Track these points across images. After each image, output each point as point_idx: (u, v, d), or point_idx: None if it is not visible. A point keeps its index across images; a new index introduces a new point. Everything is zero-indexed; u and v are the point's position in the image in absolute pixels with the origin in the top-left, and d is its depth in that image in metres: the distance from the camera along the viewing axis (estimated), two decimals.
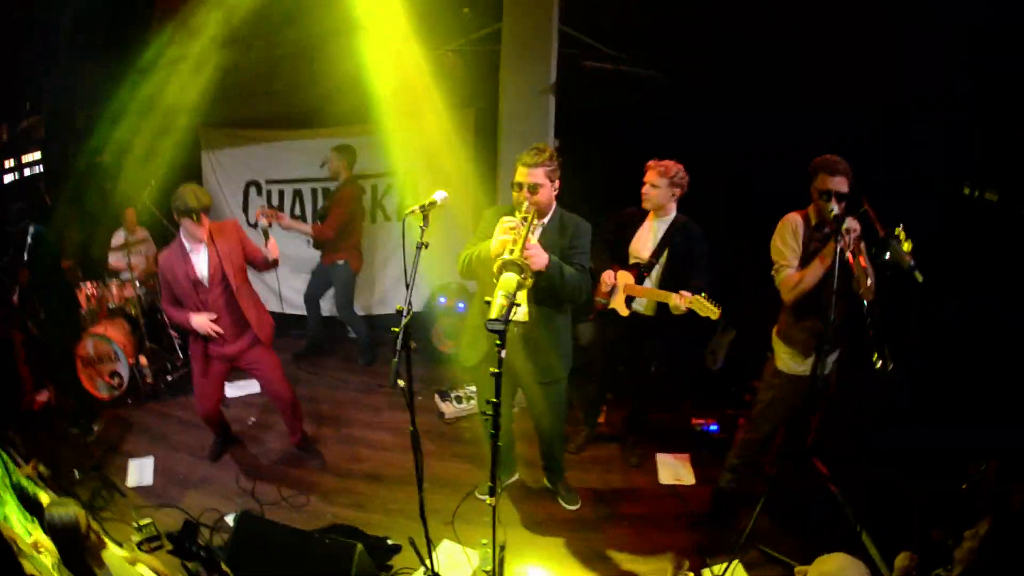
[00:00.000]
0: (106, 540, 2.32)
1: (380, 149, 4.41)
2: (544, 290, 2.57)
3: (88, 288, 4.40)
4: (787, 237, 2.72)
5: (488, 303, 1.94)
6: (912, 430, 3.06)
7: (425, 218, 2.26)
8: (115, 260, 4.69)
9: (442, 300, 4.73)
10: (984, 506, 2.78)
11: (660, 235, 3.20)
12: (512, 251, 2.18)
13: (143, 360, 4.38)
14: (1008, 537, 2.07)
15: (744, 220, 3.39)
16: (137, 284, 4.44)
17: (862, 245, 2.56)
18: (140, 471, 3.50)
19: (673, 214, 3.21)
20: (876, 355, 2.17)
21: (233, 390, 4.30)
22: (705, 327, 3.22)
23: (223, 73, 4.40)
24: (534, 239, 2.47)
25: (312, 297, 4.79)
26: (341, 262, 4.48)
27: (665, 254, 3.18)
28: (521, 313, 2.65)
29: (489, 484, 2.36)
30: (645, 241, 3.25)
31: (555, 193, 2.65)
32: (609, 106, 4.05)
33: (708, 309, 2.93)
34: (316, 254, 4.68)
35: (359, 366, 4.85)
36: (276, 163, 5.03)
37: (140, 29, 4.47)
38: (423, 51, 4.01)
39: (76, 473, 3.33)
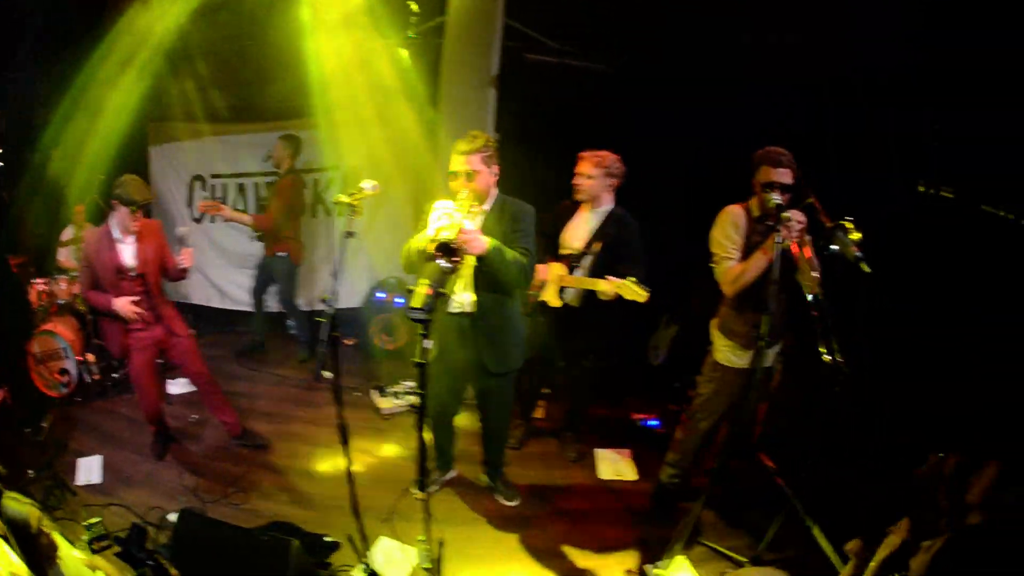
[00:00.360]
0: (60, 542, 2.30)
1: (323, 143, 4.39)
2: (488, 277, 2.54)
3: (39, 285, 4.34)
4: (727, 229, 2.69)
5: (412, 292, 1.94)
6: (861, 424, 3.09)
7: (353, 207, 2.24)
8: (64, 257, 4.63)
9: (381, 295, 4.71)
10: (943, 500, 2.83)
11: (594, 226, 3.18)
12: (447, 236, 2.16)
13: (90, 357, 4.33)
14: (964, 549, 2.04)
15: (687, 213, 3.38)
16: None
17: (807, 237, 2.53)
18: (88, 469, 3.46)
19: (610, 205, 3.19)
20: (823, 348, 2.16)
21: (175, 387, 4.29)
22: (639, 320, 3.22)
23: (171, 68, 4.40)
24: (473, 225, 2.42)
25: (257, 291, 4.75)
26: (282, 254, 4.46)
27: (598, 245, 3.15)
28: (468, 303, 2.64)
29: (420, 479, 2.39)
30: (578, 231, 3.22)
31: (494, 179, 2.63)
32: (552, 99, 4.02)
33: (635, 293, 2.90)
34: (259, 249, 4.65)
35: (299, 362, 4.83)
36: (221, 157, 5.00)
37: (95, 28, 4.40)
38: (369, 44, 3.97)
39: (30, 473, 3.30)
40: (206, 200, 4.50)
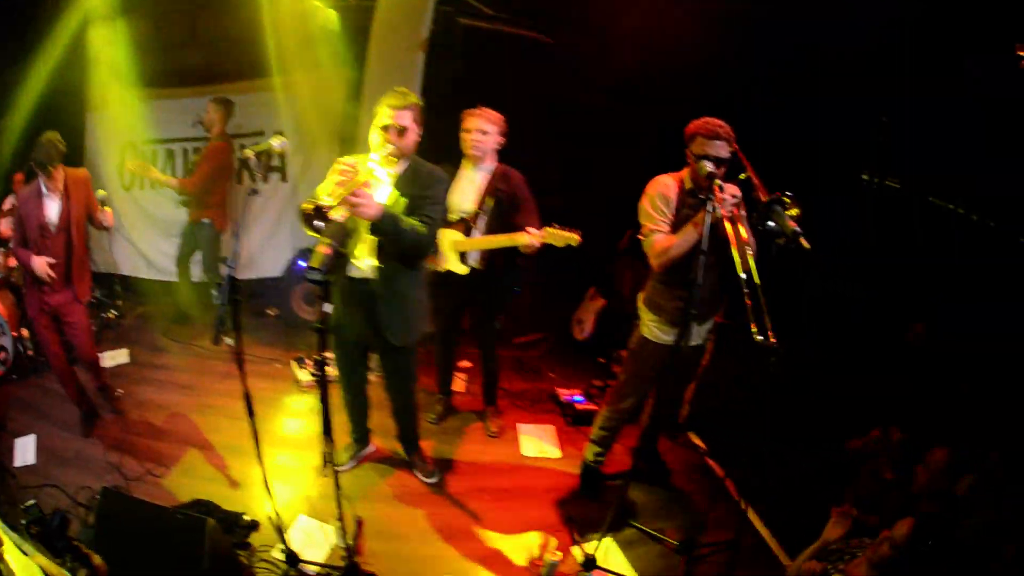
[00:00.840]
0: (4, 538, 2.24)
1: (254, 108, 4.24)
2: (384, 244, 2.45)
3: None
4: (656, 201, 2.58)
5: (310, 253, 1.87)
6: (795, 403, 3.02)
7: (259, 163, 2.19)
8: (4, 227, 4.48)
9: (303, 264, 4.56)
10: (888, 472, 2.81)
11: (481, 184, 3.09)
12: (338, 196, 2.09)
13: (24, 333, 4.22)
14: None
15: (616, 183, 3.27)
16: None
17: (742, 212, 2.44)
18: (24, 450, 3.40)
19: (494, 163, 3.11)
20: (755, 328, 2.06)
21: (105, 360, 4.16)
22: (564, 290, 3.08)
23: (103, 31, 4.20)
24: (372, 187, 2.33)
25: (182, 259, 4.61)
26: (206, 221, 4.35)
27: (491, 202, 3.07)
28: (368, 268, 2.55)
29: (327, 452, 2.33)
30: (466, 193, 3.11)
31: (417, 139, 2.53)
32: (483, 66, 3.84)
33: (566, 237, 2.86)
34: (185, 217, 4.52)
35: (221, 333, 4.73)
36: (153, 123, 4.83)
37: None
38: (299, 6, 3.78)
39: None
40: (132, 161, 4.37)
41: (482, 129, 3.01)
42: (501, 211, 3.08)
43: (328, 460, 2.33)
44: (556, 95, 3.77)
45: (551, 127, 3.30)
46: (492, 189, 3.07)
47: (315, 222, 2.08)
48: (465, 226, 3.10)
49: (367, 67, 3.64)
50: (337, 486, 2.40)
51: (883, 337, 3.34)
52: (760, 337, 2.02)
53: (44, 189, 3.18)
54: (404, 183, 2.52)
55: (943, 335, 3.10)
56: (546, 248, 2.94)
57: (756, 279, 2.11)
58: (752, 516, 2.97)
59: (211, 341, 4.14)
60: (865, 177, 3.40)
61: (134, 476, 3.21)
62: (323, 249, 1.90)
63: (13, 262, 4.21)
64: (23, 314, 4.23)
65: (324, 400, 2.21)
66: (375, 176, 2.39)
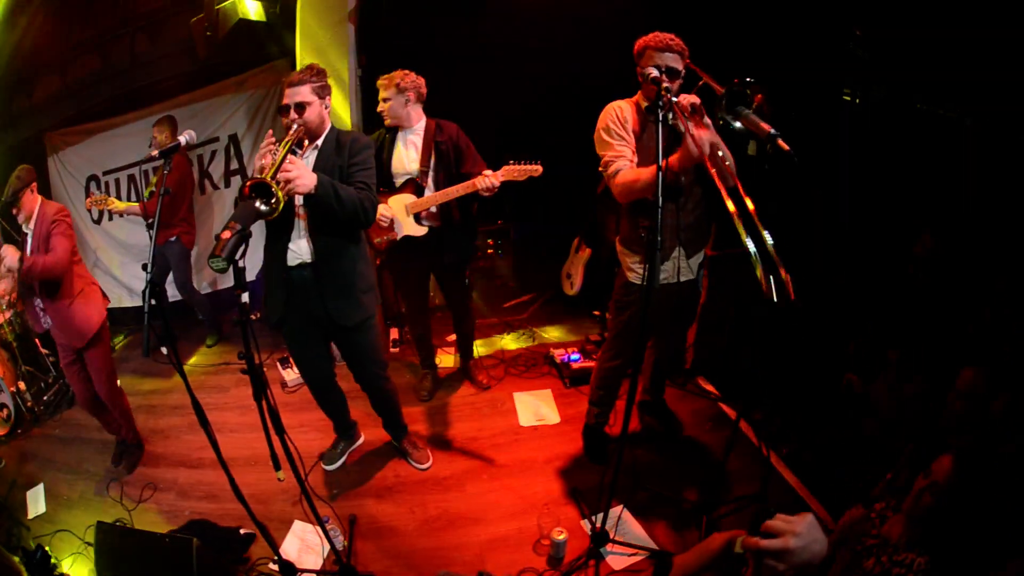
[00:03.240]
0: None
1: (202, 118, 4.14)
2: (323, 218, 2.30)
3: None
4: (610, 125, 2.31)
5: (216, 239, 1.75)
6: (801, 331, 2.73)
7: (167, 162, 2.05)
8: None
9: None
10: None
11: (419, 143, 3.03)
12: (268, 174, 1.98)
13: (21, 386, 4.24)
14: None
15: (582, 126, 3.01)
16: (4, 308, 4.24)
17: (706, 120, 2.10)
18: (35, 501, 3.40)
19: (423, 120, 3.05)
20: (765, 285, 1.72)
21: None
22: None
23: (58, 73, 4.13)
24: (300, 161, 2.20)
25: (155, 283, 4.54)
26: (173, 239, 4.28)
27: (433, 158, 3.02)
28: (306, 252, 2.41)
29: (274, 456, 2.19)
30: (408, 154, 3.05)
31: (326, 111, 2.42)
32: (417, 33, 3.61)
33: (527, 170, 2.86)
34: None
35: (207, 347, 4.69)
36: (111, 152, 4.86)
37: None
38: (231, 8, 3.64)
39: None
40: (92, 195, 4.33)
41: (383, 97, 2.97)
42: (446, 163, 3.02)
43: (276, 465, 2.18)
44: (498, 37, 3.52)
45: (503, 73, 3.07)
46: (432, 145, 3.01)
47: (258, 203, 1.97)
48: (415, 186, 3.03)
49: (297, 51, 3.45)
50: (305, 491, 2.27)
51: (889, 249, 2.97)
52: (777, 298, 1.71)
53: (25, 227, 3.07)
54: (327, 156, 2.40)
55: (953, 245, 2.70)
56: (510, 189, 2.91)
57: (749, 205, 1.82)
58: (776, 462, 2.68)
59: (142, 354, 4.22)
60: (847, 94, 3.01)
61: (134, 506, 3.16)
62: (225, 234, 1.73)
63: (1, 318, 4.24)
64: (17, 367, 4.27)
65: (259, 398, 2.06)
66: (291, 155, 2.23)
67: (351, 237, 2.47)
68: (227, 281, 4.98)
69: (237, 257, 1.77)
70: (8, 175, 3.08)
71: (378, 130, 3.11)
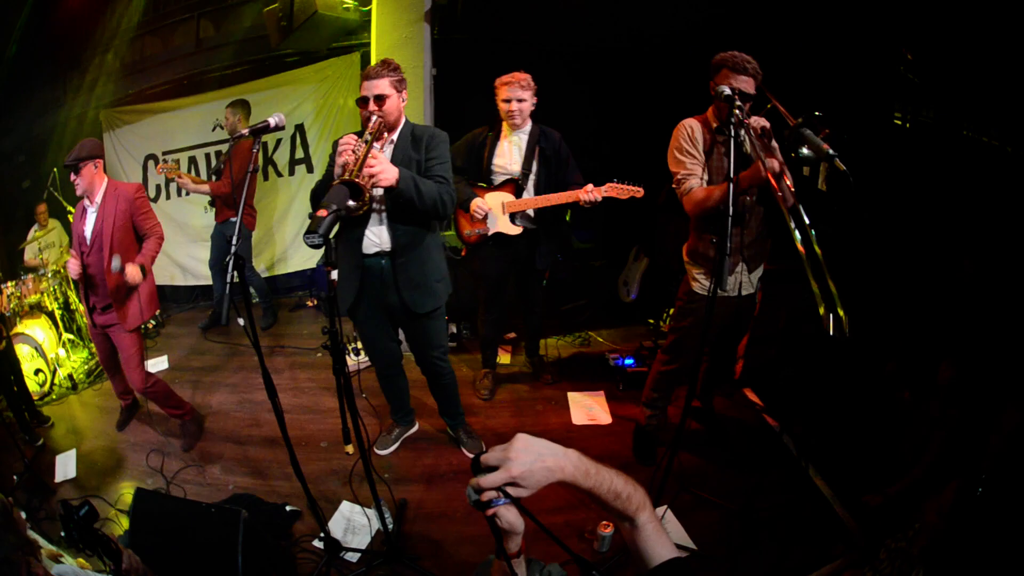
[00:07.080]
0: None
1: (269, 105, 4.22)
2: (403, 209, 2.36)
3: (7, 289, 4.27)
4: (682, 143, 2.44)
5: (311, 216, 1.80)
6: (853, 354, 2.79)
7: (256, 141, 2.13)
8: (30, 256, 4.59)
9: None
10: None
11: (524, 147, 3.09)
12: (353, 172, 2.03)
13: (61, 353, 4.28)
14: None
15: (652, 136, 3.11)
16: (50, 277, 4.32)
17: (773, 144, 2.27)
18: (65, 465, 3.41)
19: (529, 123, 3.11)
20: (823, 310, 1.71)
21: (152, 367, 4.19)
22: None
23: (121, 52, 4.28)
24: (382, 155, 2.26)
25: (215, 262, 4.59)
26: (234, 219, 4.29)
27: (535, 163, 3.07)
28: (384, 241, 2.47)
29: (350, 430, 2.20)
30: (510, 156, 3.11)
31: (403, 104, 2.47)
32: (493, 33, 3.72)
33: (630, 190, 2.87)
34: (212, 220, 4.53)
35: (261, 330, 4.71)
36: (172, 133, 4.90)
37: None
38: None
39: (15, 478, 3.25)
40: (164, 165, 4.39)
41: (519, 97, 2.99)
42: (548, 169, 3.08)
43: (346, 438, 2.21)
44: (576, 46, 3.61)
45: (575, 82, 3.15)
46: (538, 149, 3.08)
47: (349, 202, 1.99)
48: (515, 187, 3.09)
49: (373, 46, 3.54)
50: (369, 469, 2.30)
51: (935, 274, 3.06)
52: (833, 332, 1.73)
53: (87, 202, 3.04)
54: (403, 149, 2.46)
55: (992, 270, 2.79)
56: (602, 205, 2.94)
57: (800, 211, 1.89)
58: (812, 475, 2.74)
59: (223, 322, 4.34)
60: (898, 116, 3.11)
61: (175, 478, 3.17)
62: (321, 212, 1.79)
63: (44, 286, 4.31)
64: (58, 336, 4.31)
65: (338, 374, 2.11)
66: (373, 149, 2.30)
67: (428, 226, 2.54)
68: (283, 265, 5.05)
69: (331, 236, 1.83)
70: (73, 143, 3.11)
71: (480, 127, 3.18)
